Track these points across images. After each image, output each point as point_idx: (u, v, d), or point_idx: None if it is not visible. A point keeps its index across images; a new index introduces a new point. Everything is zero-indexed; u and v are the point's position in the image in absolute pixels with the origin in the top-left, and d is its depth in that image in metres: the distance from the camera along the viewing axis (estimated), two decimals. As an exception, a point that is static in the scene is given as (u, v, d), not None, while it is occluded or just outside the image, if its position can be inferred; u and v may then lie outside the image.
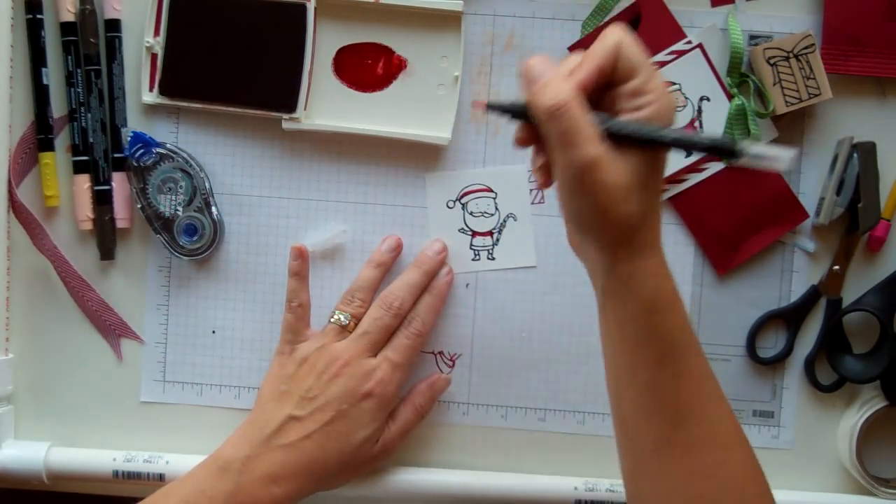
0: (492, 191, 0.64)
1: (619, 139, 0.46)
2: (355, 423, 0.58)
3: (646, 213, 0.47)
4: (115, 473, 0.63)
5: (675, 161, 0.63)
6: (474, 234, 0.64)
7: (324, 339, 0.60)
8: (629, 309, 0.48)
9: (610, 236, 0.47)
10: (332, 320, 0.61)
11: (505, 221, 0.65)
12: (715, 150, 0.45)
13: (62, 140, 0.65)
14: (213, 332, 0.66)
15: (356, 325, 0.61)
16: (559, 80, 0.46)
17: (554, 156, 0.47)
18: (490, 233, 0.65)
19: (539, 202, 0.64)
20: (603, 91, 0.47)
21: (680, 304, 0.49)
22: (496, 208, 0.65)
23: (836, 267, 0.64)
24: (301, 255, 0.63)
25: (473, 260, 0.65)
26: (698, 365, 0.49)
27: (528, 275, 0.64)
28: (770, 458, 0.64)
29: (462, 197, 0.64)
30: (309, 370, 0.59)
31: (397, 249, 0.64)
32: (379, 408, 0.59)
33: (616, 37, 0.46)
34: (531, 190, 0.64)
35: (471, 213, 0.64)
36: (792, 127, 0.63)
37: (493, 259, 0.64)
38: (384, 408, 0.59)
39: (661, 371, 0.48)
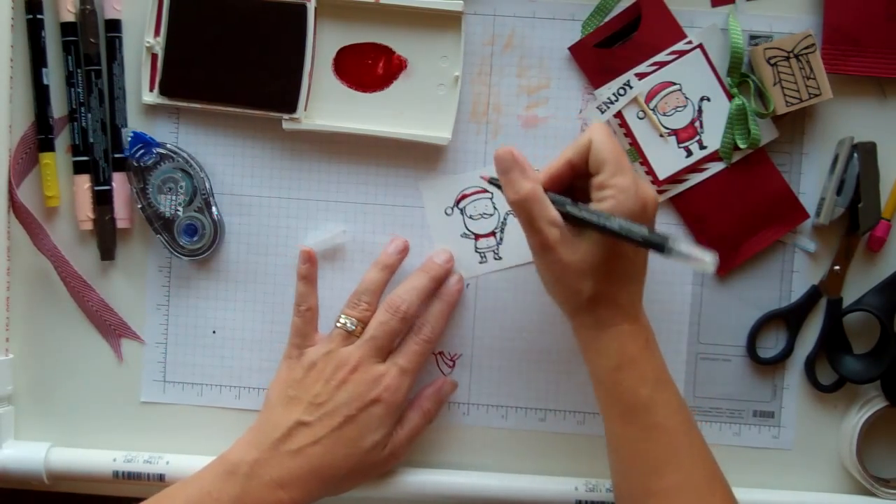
0: (487, 190, 0.64)
1: (577, 222, 0.53)
2: (364, 429, 0.58)
3: (602, 293, 0.53)
4: (116, 474, 0.63)
5: (676, 161, 0.63)
6: (477, 237, 0.64)
7: (331, 345, 0.60)
8: (595, 366, 0.55)
9: (570, 306, 0.54)
10: (338, 325, 0.60)
11: (505, 219, 0.64)
12: (648, 244, 0.50)
13: (62, 140, 0.65)
14: (214, 332, 0.66)
15: (363, 329, 0.60)
16: (521, 178, 0.53)
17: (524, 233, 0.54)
18: (492, 233, 0.64)
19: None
20: (587, 178, 0.54)
21: (648, 361, 0.53)
22: (494, 207, 0.64)
23: (837, 267, 0.64)
24: (310, 259, 0.62)
25: (480, 263, 0.64)
26: (670, 419, 0.53)
27: (528, 275, 0.64)
28: (770, 458, 0.65)
29: (459, 202, 0.64)
30: (317, 376, 0.59)
31: (404, 251, 0.63)
32: (387, 413, 0.59)
33: (591, 134, 0.53)
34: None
35: (470, 217, 0.64)
36: (792, 127, 0.63)
37: (500, 259, 0.64)
38: (392, 413, 0.59)
39: (629, 427, 0.53)
